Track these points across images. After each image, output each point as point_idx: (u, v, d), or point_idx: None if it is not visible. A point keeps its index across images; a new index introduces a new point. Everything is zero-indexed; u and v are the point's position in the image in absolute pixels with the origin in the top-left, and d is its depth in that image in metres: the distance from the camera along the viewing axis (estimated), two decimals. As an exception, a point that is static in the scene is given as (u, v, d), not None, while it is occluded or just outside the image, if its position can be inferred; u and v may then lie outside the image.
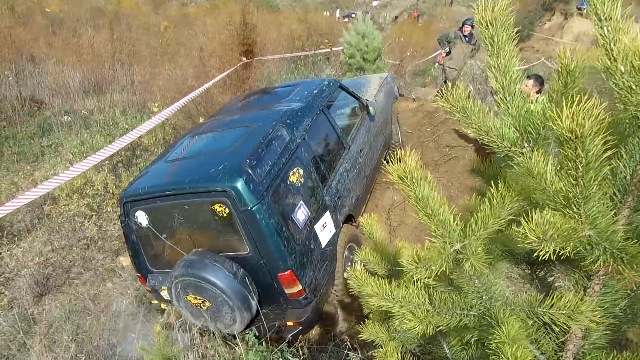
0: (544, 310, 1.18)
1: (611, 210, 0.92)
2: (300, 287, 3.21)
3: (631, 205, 0.96)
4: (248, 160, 3.16)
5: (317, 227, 3.57)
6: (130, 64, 13.41)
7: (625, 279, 1.20)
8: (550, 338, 1.37)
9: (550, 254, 0.86)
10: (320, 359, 2.77)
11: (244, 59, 6.42)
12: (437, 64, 10.23)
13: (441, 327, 1.24)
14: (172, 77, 10.40)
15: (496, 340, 1.04)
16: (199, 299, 3.24)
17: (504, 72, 1.16)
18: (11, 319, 4.64)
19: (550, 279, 1.50)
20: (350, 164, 4.38)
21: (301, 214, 3.44)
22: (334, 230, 3.78)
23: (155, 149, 7.09)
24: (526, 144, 1.17)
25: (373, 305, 1.23)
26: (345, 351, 2.54)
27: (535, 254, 1.53)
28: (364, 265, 1.94)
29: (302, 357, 2.70)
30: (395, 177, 1.06)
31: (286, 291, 3.20)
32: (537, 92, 4.47)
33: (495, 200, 1.02)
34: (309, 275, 3.34)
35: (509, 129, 1.17)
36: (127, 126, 7.23)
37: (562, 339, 1.34)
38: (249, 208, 3.01)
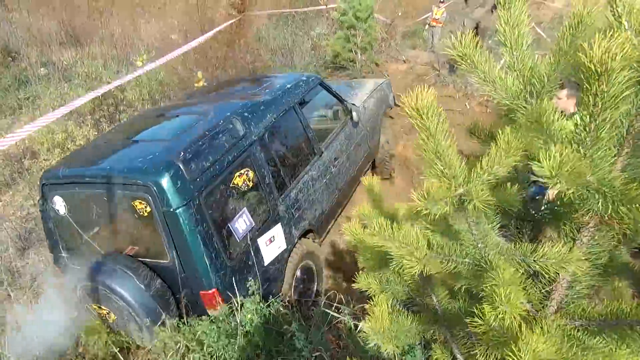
0: (536, 259, 1.22)
1: (612, 156, 0.95)
2: (226, 310, 2.78)
3: (628, 153, 1.00)
4: (183, 153, 2.72)
5: (262, 240, 3.08)
6: (109, 14, 12.81)
7: (612, 231, 1.25)
8: (536, 288, 1.43)
9: (559, 192, 0.89)
10: (312, 312, 2.85)
11: (234, 12, 6.19)
12: (427, 26, 10.07)
13: (437, 271, 1.28)
14: (155, 30, 9.99)
15: (490, 283, 1.08)
16: (104, 310, 2.85)
17: (513, 25, 1.16)
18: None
19: (537, 234, 1.56)
20: (319, 173, 3.87)
21: (242, 223, 2.97)
22: (284, 247, 3.27)
23: (139, 104, 6.90)
24: (529, 96, 1.18)
25: (374, 244, 1.25)
26: (335, 304, 2.62)
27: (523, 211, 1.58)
28: (360, 221, 1.97)
29: (292, 310, 2.78)
30: (410, 109, 1.05)
31: (209, 312, 2.77)
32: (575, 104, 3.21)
33: (502, 144, 1.03)
34: (241, 298, 2.87)
35: (513, 81, 1.18)
36: (110, 80, 6.98)
37: (548, 289, 1.40)
38: (172, 209, 2.58)
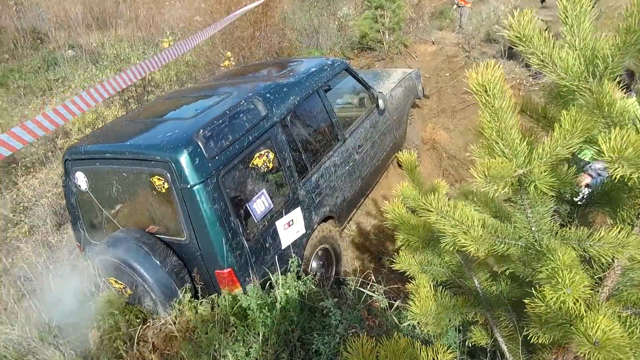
0: (592, 243, 1.21)
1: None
2: (241, 291, 2.76)
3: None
4: (202, 131, 2.73)
5: (280, 223, 3.06)
6: (134, -4, 12.87)
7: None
8: (587, 274, 1.41)
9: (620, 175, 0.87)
10: (343, 290, 2.89)
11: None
12: (455, 6, 9.79)
13: (488, 252, 1.28)
14: (180, 12, 10.01)
15: (550, 266, 1.08)
16: (121, 284, 2.89)
17: (575, 1, 1.12)
18: (33, 245, 4.79)
19: (590, 219, 1.53)
20: (341, 160, 3.81)
21: (260, 204, 2.95)
22: (303, 231, 3.24)
23: (167, 86, 6.97)
24: (591, 78, 1.15)
25: (431, 222, 1.24)
26: (371, 282, 2.64)
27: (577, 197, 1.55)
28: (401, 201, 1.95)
29: (323, 288, 2.82)
30: (475, 86, 1.03)
31: (223, 291, 2.78)
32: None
33: (567, 125, 1.01)
34: (257, 279, 2.87)
35: (573, 62, 1.14)
36: (138, 62, 7.06)
37: (600, 276, 1.38)
38: (189, 186, 2.60)
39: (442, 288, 1.77)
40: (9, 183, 6.20)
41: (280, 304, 2.43)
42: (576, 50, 1.21)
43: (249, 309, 2.40)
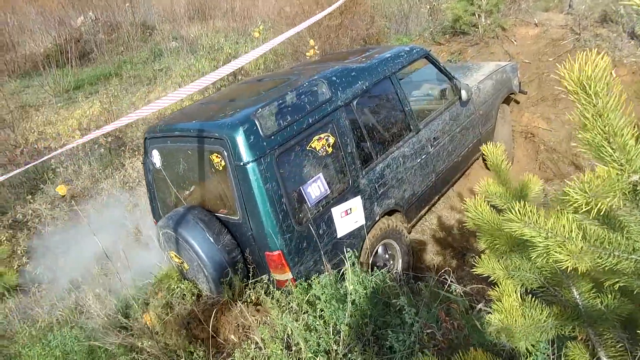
0: None
1: None
2: (289, 275, 2.72)
3: None
4: (260, 110, 2.70)
5: (337, 211, 2.95)
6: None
7: None
8: None
9: None
10: (419, 286, 2.75)
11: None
12: (565, -16, 8.77)
13: (592, 267, 1.08)
14: (271, 3, 10.27)
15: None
16: (179, 259, 2.97)
17: None
18: (134, 223, 5.27)
19: None
20: (412, 151, 3.57)
21: (315, 189, 2.85)
22: (362, 222, 3.09)
23: (255, 73, 7.22)
24: None
25: (515, 232, 1.08)
26: (450, 281, 2.47)
27: None
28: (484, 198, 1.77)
29: (399, 284, 2.71)
30: (572, 85, 0.85)
31: (272, 275, 2.76)
32: None
33: None
34: (307, 265, 2.79)
35: None
36: (230, 51, 7.40)
37: None
38: (242, 164, 2.58)
39: (532, 297, 1.57)
40: (118, 165, 6.88)
41: (351, 295, 2.37)
42: None
43: (319, 298, 2.37)
